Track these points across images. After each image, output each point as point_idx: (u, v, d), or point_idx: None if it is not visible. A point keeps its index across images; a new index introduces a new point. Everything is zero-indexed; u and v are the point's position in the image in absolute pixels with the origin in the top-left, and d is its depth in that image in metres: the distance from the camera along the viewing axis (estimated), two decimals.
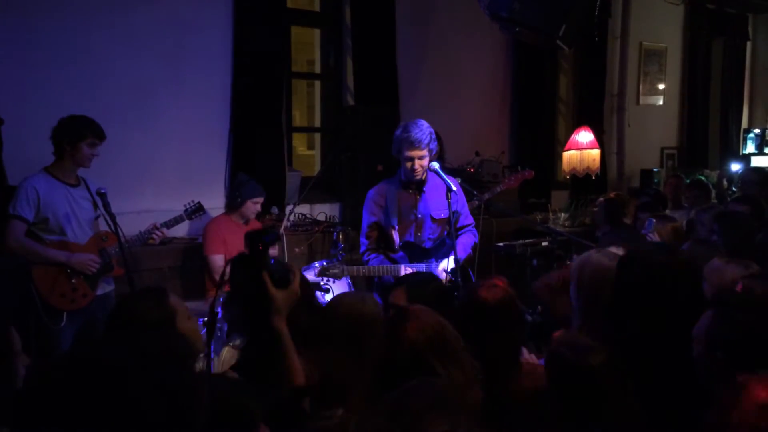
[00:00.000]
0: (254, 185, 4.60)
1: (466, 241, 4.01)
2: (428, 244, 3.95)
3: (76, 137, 3.77)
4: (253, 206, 4.60)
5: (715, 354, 1.86)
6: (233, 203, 4.57)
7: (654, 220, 3.82)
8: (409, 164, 3.80)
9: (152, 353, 1.25)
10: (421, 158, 3.78)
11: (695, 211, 4.31)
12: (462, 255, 3.85)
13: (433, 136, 3.84)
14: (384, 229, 3.96)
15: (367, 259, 3.97)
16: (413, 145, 3.74)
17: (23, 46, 4.38)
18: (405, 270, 3.81)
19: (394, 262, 3.92)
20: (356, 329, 2.23)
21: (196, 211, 4.25)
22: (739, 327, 1.85)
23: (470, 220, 4.11)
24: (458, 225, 4.02)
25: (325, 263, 4.09)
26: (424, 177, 3.92)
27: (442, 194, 3.71)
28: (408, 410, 1.41)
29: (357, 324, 2.24)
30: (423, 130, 3.77)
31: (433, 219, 3.95)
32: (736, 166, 8.38)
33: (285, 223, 4.89)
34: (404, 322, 2.02)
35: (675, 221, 3.99)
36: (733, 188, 7.64)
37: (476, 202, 5.19)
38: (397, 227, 3.93)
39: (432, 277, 3.25)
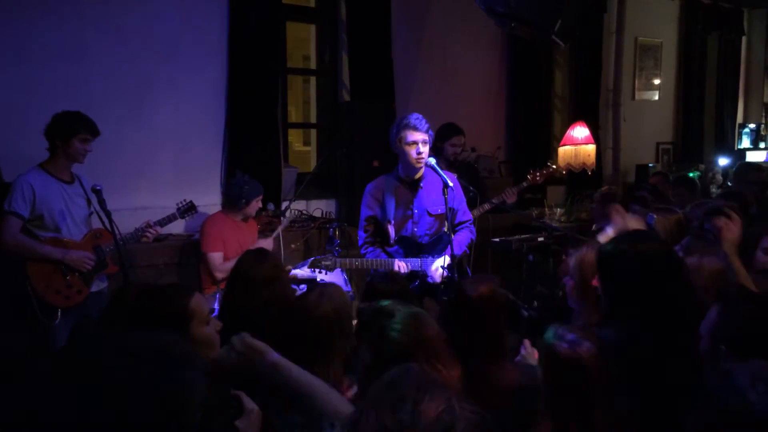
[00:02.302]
0: (255, 185, 4.60)
1: (462, 238, 4.03)
2: (425, 240, 3.96)
3: (67, 133, 3.76)
4: (256, 205, 4.63)
5: (719, 348, 1.86)
6: (237, 204, 4.55)
7: (655, 216, 3.79)
8: (413, 149, 3.80)
9: (144, 353, 1.25)
10: (424, 143, 3.81)
11: (689, 207, 4.30)
12: (458, 251, 3.87)
13: (429, 126, 3.90)
14: (380, 223, 3.98)
15: (364, 252, 4.00)
16: (416, 128, 3.79)
17: (18, 43, 4.36)
18: (398, 265, 3.83)
19: (390, 256, 3.93)
20: (313, 332, 2.22)
21: (188, 210, 4.26)
22: (741, 321, 1.86)
23: (468, 216, 4.13)
24: (456, 221, 4.03)
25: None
26: (421, 173, 3.93)
27: (439, 190, 3.72)
28: (404, 396, 1.41)
29: (313, 327, 2.23)
30: (420, 118, 3.84)
31: (429, 214, 3.97)
32: (723, 161, 8.41)
33: (280, 231, 4.84)
34: (383, 322, 2.00)
35: (677, 213, 3.98)
36: (729, 183, 7.65)
37: (486, 206, 5.20)
38: (393, 222, 3.94)
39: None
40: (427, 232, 3.97)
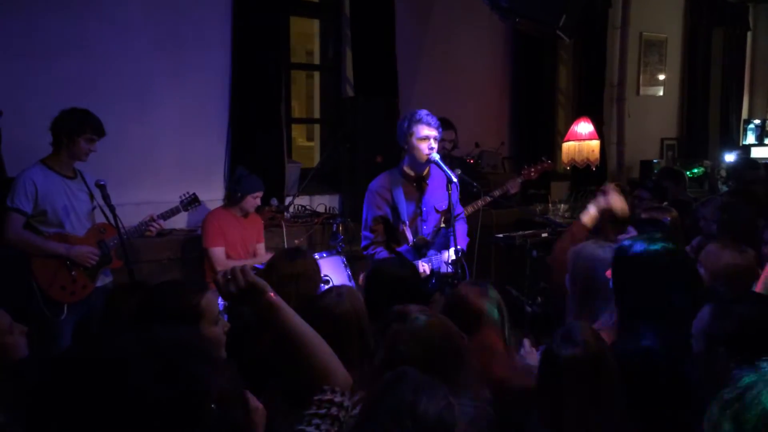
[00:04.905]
0: (254, 180, 4.59)
1: (462, 230, 4.04)
2: (428, 237, 3.95)
3: (74, 132, 3.76)
4: (253, 201, 4.60)
5: (716, 350, 1.84)
6: (233, 198, 4.56)
7: (669, 219, 3.80)
8: (425, 144, 3.77)
9: (154, 348, 1.26)
10: (435, 139, 3.80)
11: (696, 206, 4.30)
12: (463, 244, 3.88)
13: (439, 123, 3.89)
14: (390, 224, 3.89)
15: (372, 252, 3.88)
16: (429, 123, 3.78)
17: (21, 37, 4.36)
18: (422, 266, 3.77)
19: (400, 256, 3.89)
20: (333, 331, 2.13)
21: (191, 202, 4.26)
22: (738, 320, 1.84)
23: (460, 209, 4.15)
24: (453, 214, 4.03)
25: (324, 254, 4.06)
26: (428, 170, 3.92)
27: (444, 186, 3.72)
28: (402, 400, 1.40)
29: (333, 326, 2.17)
30: (430, 114, 3.83)
31: (436, 211, 3.96)
32: (729, 157, 8.38)
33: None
34: (400, 332, 1.95)
35: (671, 212, 3.99)
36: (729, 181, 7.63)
37: (488, 199, 5.17)
38: (408, 223, 3.87)
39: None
40: (433, 229, 3.97)
